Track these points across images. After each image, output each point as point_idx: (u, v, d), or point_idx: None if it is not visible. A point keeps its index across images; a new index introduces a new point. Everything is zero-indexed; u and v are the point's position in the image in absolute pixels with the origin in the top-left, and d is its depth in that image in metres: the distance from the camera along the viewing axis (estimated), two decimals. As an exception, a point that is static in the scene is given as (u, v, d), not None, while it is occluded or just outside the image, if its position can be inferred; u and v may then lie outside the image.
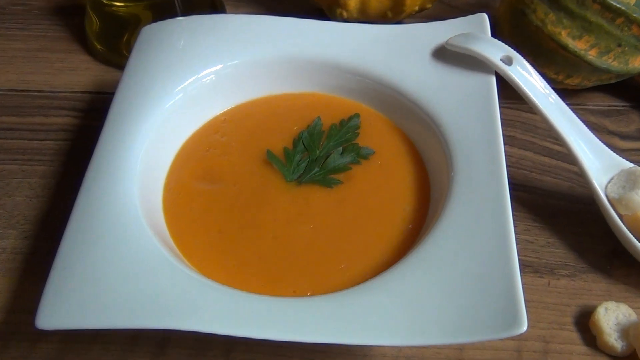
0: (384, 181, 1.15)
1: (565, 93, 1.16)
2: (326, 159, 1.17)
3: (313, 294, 1.00)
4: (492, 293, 0.90)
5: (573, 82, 1.16)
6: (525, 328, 0.75)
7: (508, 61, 1.20)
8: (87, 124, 1.23)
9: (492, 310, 0.88)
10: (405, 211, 1.11)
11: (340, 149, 1.19)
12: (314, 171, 1.15)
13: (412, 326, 0.80)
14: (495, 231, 0.96)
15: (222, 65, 1.28)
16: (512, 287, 0.89)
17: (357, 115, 1.25)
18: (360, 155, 1.18)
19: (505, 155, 1.06)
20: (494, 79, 1.20)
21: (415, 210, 1.11)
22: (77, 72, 1.30)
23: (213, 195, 1.13)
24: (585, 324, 0.95)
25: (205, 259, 1.06)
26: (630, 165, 1.03)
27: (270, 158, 1.16)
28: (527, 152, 1.33)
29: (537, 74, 1.20)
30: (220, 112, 1.27)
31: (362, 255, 1.04)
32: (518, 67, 1.20)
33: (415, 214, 1.11)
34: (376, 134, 1.23)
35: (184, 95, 1.23)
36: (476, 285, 0.91)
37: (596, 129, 1.14)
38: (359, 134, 1.22)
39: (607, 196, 1.01)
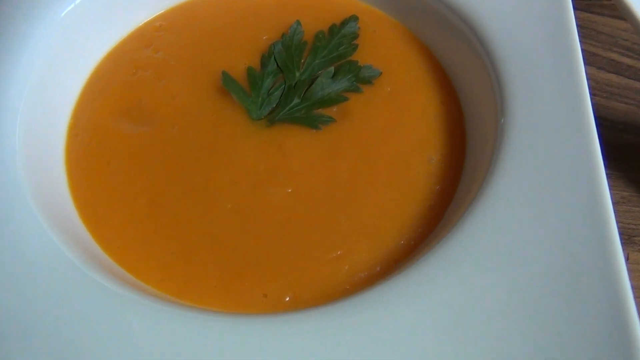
0: (396, 118, 0.76)
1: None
2: (310, 85, 0.77)
3: (294, 301, 0.63)
4: (591, 313, 0.54)
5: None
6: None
7: None
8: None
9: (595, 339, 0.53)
10: (430, 164, 0.73)
11: (332, 69, 0.79)
12: (292, 104, 0.75)
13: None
14: (586, 207, 0.59)
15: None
16: (621, 303, 0.54)
17: (354, 19, 0.85)
18: (361, 79, 0.78)
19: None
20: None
21: (444, 162, 0.73)
22: None
23: (141, 143, 0.77)
24: None
25: (129, 248, 0.69)
26: None
27: (227, 84, 0.77)
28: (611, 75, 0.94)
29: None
30: (152, 16, 0.85)
31: (367, 237, 0.72)
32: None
33: (446, 169, 0.73)
34: (384, 48, 0.84)
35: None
36: (566, 298, 0.55)
37: None
38: (357, 46, 0.81)
39: None
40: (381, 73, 0.84)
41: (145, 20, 0.90)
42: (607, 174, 0.66)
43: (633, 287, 0.58)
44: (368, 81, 0.83)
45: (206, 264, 0.71)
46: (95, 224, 0.75)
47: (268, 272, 0.71)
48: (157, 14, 0.91)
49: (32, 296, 0.63)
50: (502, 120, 0.73)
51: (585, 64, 0.73)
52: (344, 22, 0.88)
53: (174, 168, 0.77)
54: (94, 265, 0.68)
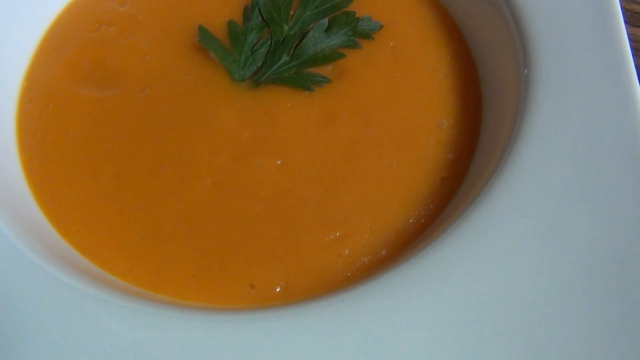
0: (401, 77, 0.65)
1: None
2: (301, 40, 0.65)
3: (286, 292, 0.53)
4: None
5: None
6: None
7: None
8: None
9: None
10: (441, 129, 0.62)
11: (325, 21, 0.67)
12: (280, 62, 0.64)
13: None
14: (633, 180, 0.50)
15: None
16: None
17: None
18: (359, 33, 0.67)
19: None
20: None
21: (458, 127, 0.63)
22: None
23: (105, 109, 0.67)
24: None
25: (91, 232, 0.58)
26: None
27: (204, 41, 0.67)
28: None
29: None
30: (117, -39, 0.73)
31: (370, 215, 0.62)
32: None
33: (459, 136, 0.62)
34: (384, -4, 0.72)
35: None
36: (616, 286, 0.46)
37: None
38: (354, -5, 0.70)
39: None
40: (382, 26, 0.73)
41: (109, -32, 0.78)
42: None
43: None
44: (367, 35, 0.72)
45: (182, 249, 0.61)
46: (51, 204, 0.64)
47: (255, 259, 0.60)
48: (123, -41, 0.79)
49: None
50: (526, 72, 0.63)
51: (626, 23, 0.63)
52: (338, -32, 0.76)
53: (144, 138, 0.66)
54: (48, 254, 0.58)
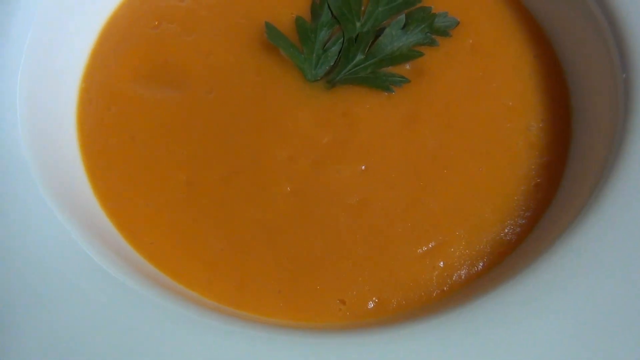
0: (483, 76, 0.62)
1: None
2: (376, 38, 0.61)
3: (379, 308, 0.49)
4: None
5: None
6: None
7: None
8: None
9: None
10: (530, 132, 0.58)
11: (402, 17, 0.63)
12: (355, 61, 0.60)
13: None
14: None
15: None
16: None
17: None
18: (436, 30, 0.63)
19: None
20: None
21: (547, 130, 0.59)
22: None
23: (171, 112, 0.62)
24: None
25: (165, 243, 0.54)
26: None
27: (273, 38, 0.61)
28: None
29: None
30: (175, -46, 0.69)
31: (463, 224, 0.59)
32: None
33: (550, 138, 0.59)
34: (459, -9, 0.68)
35: None
36: None
37: None
38: (427, -10, 0.66)
39: None
40: (459, 22, 0.69)
41: (167, -39, 0.74)
42: None
43: None
44: (444, 32, 0.68)
45: (264, 262, 0.57)
46: (120, 213, 0.60)
47: (343, 272, 0.56)
48: (181, -47, 0.75)
49: (49, 305, 0.48)
50: (624, 77, 0.59)
51: None
52: (409, -38, 0.72)
53: (215, 142, 0.62)
54: (123, 266, 0.53)
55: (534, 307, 0.49)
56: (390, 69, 0.66)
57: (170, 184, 0.60)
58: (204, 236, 0.58)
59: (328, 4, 0.69)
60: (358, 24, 0.68)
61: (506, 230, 0.58)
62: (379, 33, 0.68)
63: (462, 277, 0.56)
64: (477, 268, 0.56)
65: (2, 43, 0.60)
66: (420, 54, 0.66)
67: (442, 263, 0.56)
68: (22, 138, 0.57)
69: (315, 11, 0.70)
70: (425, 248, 0.57)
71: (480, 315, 0.49)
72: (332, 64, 0.67)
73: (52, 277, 0.51)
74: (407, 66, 0.66)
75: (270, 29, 0.67)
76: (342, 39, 0.68)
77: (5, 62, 0.60)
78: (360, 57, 0.66)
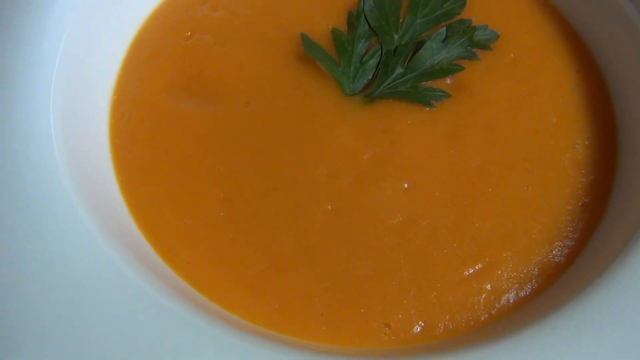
0: (526, 91, 0.61)
1: None
2: (416, 51, 0.59)
3: (426, 332, 0.48)
4: None
5: None
6: None
7: None
8: None
9: None
10: (576, 149, 0.57)
11: (443, 30, 0.61)
12: (394, 75, 0.58)
13: None
14: None
15: None
16: None
17: None
18: (476, 43, 0.61)
19: None
20: None
21: (594, 146, 0.57)
22: None
23: (207, 125, 0.61)
24: None
25: (203, 263, 0.52)
26: None
27: (309, 50, 0.60)
28: None
29: None
30: (208, -37, 0.68)
31: (510, 244, 0.57)
32: None
33: (597, 155, 0.57)
34: (496, 3, 0.67)
35: None
36: None
37: None
38: (465, 2, 0.64)
39: None
40: (499, 35, 0.67)
41: (198, -30, 0.72)
42: None
43: None
44: (485, 45, 0.67)
45: (306, 284, 0.55)
46: (155, 231, 0.58)
47: (388, 294, 0.55)
48: (212, -39, 0.73)
49: (84, 323, 0.47)
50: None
51: None
52: (446, -27, 0.71)
53: (252, 158, 0.60)
54: (160, 287, 0.51)
55: (587, 337, 0.47)
56: (430, 83, 0.65)
57: (207, 201, 0.58)
58: (243, 256, 0.56)
59: (365, 15, 0.67)
60: (396, 36, 0.67)
61: (554, 252, 0.57)
62: (418, 46, 0.66)
63: (511, 301, 0.54)
64: (526, 292, 0.55)
65: (35, 55, 0.58)
66: (461, 68, 0.65)
67: (489, 286, 0.55)
68: (57, 154, 0.55)
69: (351, 22, 0.68)
70: (472, 270, 0.55)
71: (531, 345, 0.47)
72: (370, 77, 0.65)
73: (88, 294, 0.50)
74: (448, 80, 0.65)
75: (306, 40, 0.65)
76: (380, 51, 0.66)
77: (39, 74, 0.58)
78: (399, 70, 0.64)
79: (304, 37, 0.65)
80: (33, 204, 0.52)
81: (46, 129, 0.55)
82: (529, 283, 0.55)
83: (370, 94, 0.64)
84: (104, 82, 0.64)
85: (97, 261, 0.51)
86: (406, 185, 0.59)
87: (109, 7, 0.65)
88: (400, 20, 0.68)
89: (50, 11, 0.60)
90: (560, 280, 0.55)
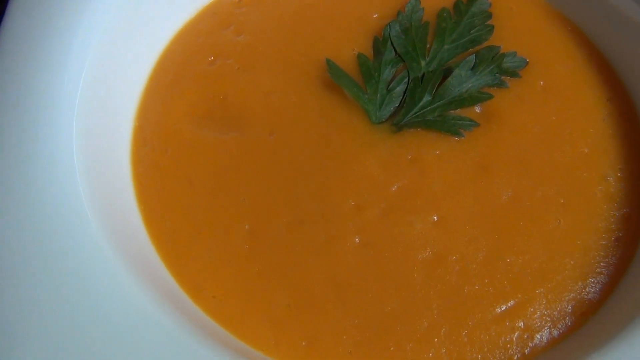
0: (557, 120, 0.60)
1: None
2: (444, 78, 0.58)
3: None
4: None
5: None
6: None
7: None
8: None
9: None
10: (608, 182, 0.56)
11: (472, 58, 0.60)
12: (422, 103, 0.57)
13: None
14: None
15: None
16: None
17: None
18: (505, 70, 0.60)
19: None
20: None
21: (626, 179, 0.56)
22: None
23: (231, 154, 0.60)
24: None
25: (228, 298, 0.52)
26: None
27: (335, 77, 0.59)
28: None
29: None
30: (231, -13, 0.67)
31: (542, 281, 0.56)
32: None
33: (629, 188, 0.56)
34: (525, 30, 0.67)
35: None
36: None
37: None
38: (493, 28, 0.63)
39: None
40: (528, 62, 0.66)
41: (222, -7, 0.71)
42: None
43: None
44: (514, 73, 0.65)
45: (334, 320, 0.54)
46: (178, 264, 0.57)
47: (418, 332, 0.53)
48: (236, -16, 0.72)
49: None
50: None
51: None
52: (472, -4, 0.70)
53: (278, 188, 0.59)
54: (184, 322, 0.50)
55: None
56: (459, 112, 0.63)
57: (232, 233, 0.57)
58: (269, 291, 0.55)
59: (391, 41, 0.66)
60: (423, 63, 0.65)
61: (588, 289, 0.55)
62: (445, 73, 0.65)
63: (544, 340, 0.53)
64: (560, 330, 0.53)
65: (59, 80, 0.57)
66: (490, 96, 0.63)
67: (522, 323, 0.53)
68: (79, 183, 0.54)
69: (377, 48, 0.67)
70: (504, 307, 0.54)
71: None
72: (397, 104, 0.64)
73: (109, 330, 0.48)
74: (477, 109, 0.63)
75: (332, 66, 0.64)
76: (407, 78, 0.65)
77: (62, 100, 0.57)
78: (427, 98, 0.63)
79: (330, 63, 0.64)
80: (54, 236, 0.51)
81: (69, 154, 0.54)
82: (563, 321, 0.54)
83: (398, 122, 0.62)
84: (126, 108, 0.63)
85: (116, 294, 0.50)
86: (435, 218, 0.57)
87: (130, 32, 0.64)
88: (428, 46, 0.67)
89: (72, 38, 0.59)
90: (594, 318, 0.54)
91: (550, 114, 0.63)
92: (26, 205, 0.52)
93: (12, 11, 0.59)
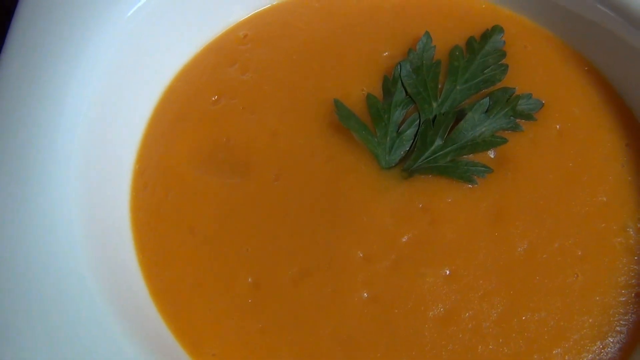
0: (574, 167, 0.57)
1: None
2: (456, 121, 0.56)
3: None
4: None
5: None
6: None
7: None
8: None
9: None
10: (627, 233, 0.53)
11: (486, 100, 0.58)
12: (433, 147, 0.55)
13: None
14: None
15: None
16: None
17: (498, 30, 0.66)
18: (519, 113, 0.58)
19: None
20: None
21: (648, 231, 0.54)
22: None
23: (234, 200, 0.58)
24: None
25: (228, 353, 0.51)
26: None
27: (343, 119, 0.57)
28: None
29: None
30: (235, 23, 0.64)
31: (560, 340, 0.53)
32: None
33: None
34: (540, 70, 0.64)
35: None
36: None
37: None
38: (507, 68, 0.61)
39: None
40: (543, 104, 0.63)
41: (226, 29, 0.69)
42: None
43: None
44: (529, 116, 0.63)
45: (340, 384, 0.51)
46: (178, 319, 0.55)
47: (430, 396, 0.50)
48: (241, 19, 0.70)
49: None
50: None
51: None
52: (486, 35, 0.67)
53: (283, 238, 0.57)
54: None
55: None
56: (472, 157, 0.61)
57: (234, 286, 0.55)
58: (272, 349, 0.52)
59: (402, 81, 0.64)
60: (435, 104, 0.63)
61: (608, 349, 0.53)
62: (458, 115, 0.62)
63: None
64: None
65: (57, 120, 0.55)
66: (505, 141, 0.61)
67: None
68: (76, 233, 0.52)
69: (387, 88, 0.64)
70: (518, 370, 0.51)
71: None
72: (407, 148, 0.61)
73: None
74: (491, 154, 0.61)
75: (340, 108, 0.62)
76: (418, 120, 0.62)
77: (61, 138, 0.55)
78: (439, 142, 0.61)
79: (338, 104, 0.62)
80: (47, 287, 0.49)
81: (65, 206, 0.52)
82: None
83: (408, 168, 0.60)
84: (126, 150, 0.61)
85: (112, 352, 0.48)
86: (448, 272, 0.55)
87: (132, 70, 0.62)
88: (440, 86, 0.64)
89: (72, 78, 0.57)
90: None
91: (567, 159, 0.61)
92: (21, 257, 0.50)
93: (10, 49, 0.58)
